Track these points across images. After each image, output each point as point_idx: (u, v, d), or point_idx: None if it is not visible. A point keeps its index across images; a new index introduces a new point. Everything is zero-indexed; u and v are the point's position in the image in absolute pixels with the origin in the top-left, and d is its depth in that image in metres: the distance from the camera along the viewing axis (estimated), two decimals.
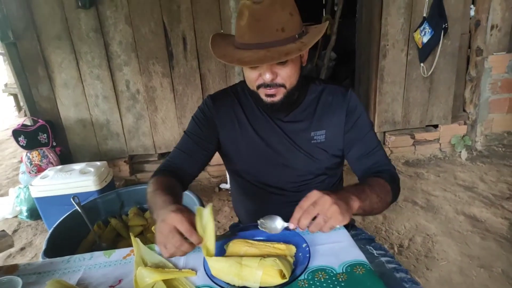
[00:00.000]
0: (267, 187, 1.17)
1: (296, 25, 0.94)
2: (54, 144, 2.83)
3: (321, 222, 0.78)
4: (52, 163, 2.75)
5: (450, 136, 3.22)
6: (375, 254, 1.10)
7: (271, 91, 0.99)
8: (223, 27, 2.83)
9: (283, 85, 0.99)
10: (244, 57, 0.92)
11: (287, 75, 0.99)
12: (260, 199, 1.20)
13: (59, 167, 2.52)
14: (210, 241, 0.79)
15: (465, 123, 3.23)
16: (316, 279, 0.77)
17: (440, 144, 3.24)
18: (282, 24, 0.90)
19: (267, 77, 0.96)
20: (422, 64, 3.00)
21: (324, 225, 0.78)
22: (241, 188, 1.25)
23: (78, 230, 1.44)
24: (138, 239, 0.92)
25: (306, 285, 0.75)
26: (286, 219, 0.87)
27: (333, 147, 1.13)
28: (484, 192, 2.61)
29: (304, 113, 1.12)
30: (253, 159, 1.15)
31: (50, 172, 2.41)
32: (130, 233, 0.93)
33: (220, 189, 2.98)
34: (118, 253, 0.92)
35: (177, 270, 0.82)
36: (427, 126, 3.26)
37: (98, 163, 2.49)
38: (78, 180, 2.30)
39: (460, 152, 3.16)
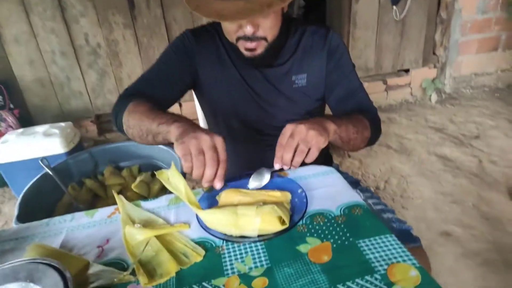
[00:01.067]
0: (248, 130, 1.14)
1: None
2: (12, 106, 2.62)
3: (304, 148, 0.76)
4: (11, 127, 2.56)
5: (420, 80, 3.25)
6: (362, 196, 1.10)
7: (251, 45, 0.93)
8: None
9: (264, 38, 0.93)
10: (222, 9, 0.82)
11: (269, 27, 0.92)
12: (241, 144, 1.17)
13: (20, 130, 2.34)
14: (191, 197, 0.75)
15: (435, 66, 3.27)
16: (314, 223, 0.75)
17: (411, 89, 3.27)
18: None
19: (248, 29, 0.89)
20: (394, 7, 2.94)
21: (310, 151, 0.76)
22: (221, 134, 1.21)
23: (51, 194, 1.35)
24: (121, 196, 0.86)
25: (305, 230, 0.73)
26: (269, 162, 0.85)
27: (315, 91, 1.10)
28: (454, 132, 2.70)
29: (285, 57, 1.07)
30: (234, 99, 1.10)
31: (10, 136, 2.24)
32: (113, 191, 0.87)
33: None
34: (101, 212, 0.86)
35: (169, 225, 0.77)
36: (398, 71, 3.27)
37: (62, 124, 2.34)
38: (43, 143, 2.16)
39: (431, 95, 3.22)
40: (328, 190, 0.85)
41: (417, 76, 3.25)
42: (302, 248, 0.69)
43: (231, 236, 0.72)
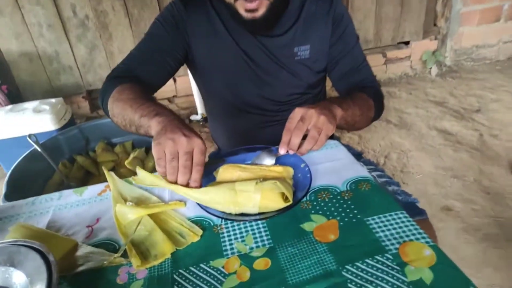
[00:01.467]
0: (246, 106, 1.07)
1: None
2: None
3: (315, 135, 0.71)
4: (0, 103, 2.47)
5: (421, 53, 3.17)
6: (366, 169, 1.06)
7: (252, 5, 0.84)
8: None
9: None
10: None
11: None
12: (237, 120, 1.11)
13: (9, 107, 2.25)
14: (179, 187, 0.69)
15: (435, 38, 3.17)
16: (319, 199, 0.70)
17: (411, 62, 3.19)
18: None
19: None
20: None
21: (319, 138, 0.72)
22: (217, 109, 1.14)
23: (41, 171, 1.30)
24: (112, 173, 0.81)
25: (310, 207, 0.68)
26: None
27: (318, 63, 1.03)
28: (455, 106, 2.65)
29: (287, 25, 0.98)
30: (230, 71, 1.02)
31: None
32: (103, 167, 0.82)
33: (190, 121, 2.84)
34: (91, 190, 0.81)
35: (163, 203, 0.72)
36: (398, 43, 3.18)
37: (53, 100, 2.25)
38: (33, 120, 2.08)
39: (431, 68, 3.15)
40: (333, 164, 0.79)
41: (418, 49, 3.16)
42: (307, 226, 0.64)
43: (230, 214, 0.67)
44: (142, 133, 0.76)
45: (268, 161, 0.79)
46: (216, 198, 0.68)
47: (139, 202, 0.73)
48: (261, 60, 1.00)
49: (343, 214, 0.66)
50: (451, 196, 1.85)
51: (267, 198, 0.66)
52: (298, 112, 0.73)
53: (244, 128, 1.10)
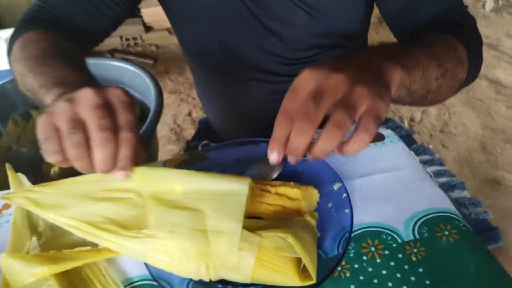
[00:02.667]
0: (242, 66, 0.70)
1: None
2: None
3: (344, 120, 0.32)
4: None
5: None
6: (417, 160, 0.71)
7: None
8: None
9: None
10: None
11: None
12: (232, 89, 0.75)
13: None
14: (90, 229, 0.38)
15: None
16: (364, 257, 0.39)
17: None
18: None
19: None
20: None
21: (360, 128, 0.33)
22: (203, 70, 0.77)
23: None
24: (22, 175, 0.49)
25: (348, 275, 0.37)
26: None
27: None
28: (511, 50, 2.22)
29: None
30: (221, 18, 0.65)
31: None
32: (7, 165, 0.50)
33: None
34: None
35: (89, 248, 0.41)
36: None
37: None
38: (4, 53, 1.76)
39: (485, 1, 2.62)
40: (386, 180, 0.46)
41: None
42: None
43: (200, 281, 0.37)
44: None
45: (278, 170, 0.46)
46: (168, 246, 0.36)
47: (51, 239, 0.43)
48: None
49: None
50: (502, 166, 1.55)
51: (267, 266, 0.35)
52: (307, 77, 0.34)
53: (241, 100, 0.73)
